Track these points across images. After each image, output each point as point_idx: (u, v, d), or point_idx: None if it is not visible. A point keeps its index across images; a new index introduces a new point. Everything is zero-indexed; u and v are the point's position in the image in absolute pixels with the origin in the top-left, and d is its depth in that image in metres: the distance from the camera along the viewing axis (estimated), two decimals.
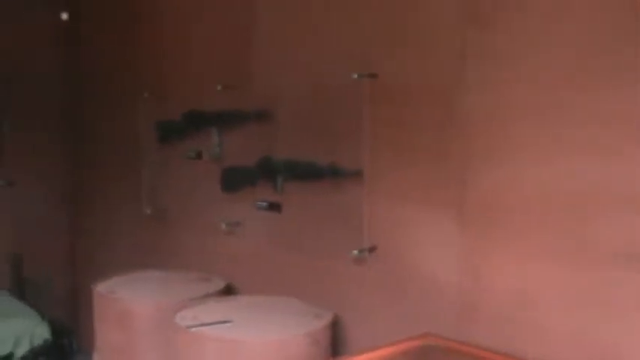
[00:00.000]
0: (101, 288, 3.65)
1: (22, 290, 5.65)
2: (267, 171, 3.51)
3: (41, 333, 4.95)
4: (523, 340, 2.56)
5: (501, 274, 2.65)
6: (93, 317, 3.78)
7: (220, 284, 3.67)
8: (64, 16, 5.57)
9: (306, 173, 3.30)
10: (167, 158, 4.30)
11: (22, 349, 4.64)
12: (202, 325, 2.95)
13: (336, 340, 3.14)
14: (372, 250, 3.03)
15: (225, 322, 3.01)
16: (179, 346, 2.99)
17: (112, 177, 5.07)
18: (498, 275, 2.66)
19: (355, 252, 3.03)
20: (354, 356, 2.66)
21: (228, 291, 3.67)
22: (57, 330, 5.11)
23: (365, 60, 3.07)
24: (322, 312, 3.13)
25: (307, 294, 3.33)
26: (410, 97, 2.94)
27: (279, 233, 3.53)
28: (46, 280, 5.28)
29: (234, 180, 3.70)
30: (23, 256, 5.67)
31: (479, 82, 2.68)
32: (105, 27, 5.10)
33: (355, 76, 3.00)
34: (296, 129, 3.45)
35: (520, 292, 2.58)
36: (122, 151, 4.85)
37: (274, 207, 3.50)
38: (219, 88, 3.73)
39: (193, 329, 2.92)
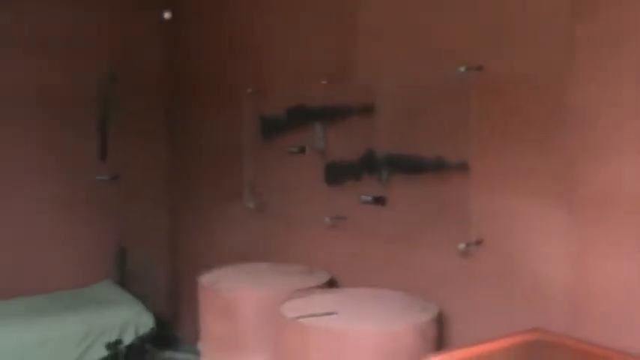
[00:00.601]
0: (205, 279, 3.72)
1: (126, 281, 5.83)
2: (372, 165, 3.52)
3: (146, 322, 5.09)
4: (635, 336, 2.50)
5: (612, 269, 2.59)
6: (194, 308, 3.87)
7: (324, 277, 3.69)
8: (167, 15, 5.70)
9: (411, 166, 3.30)
10: (270, 153, 4.36)
11: (128, 337, 4.79)
12: (308, 316, 2.98)
13: (441, 333, 3.13)
14: (478, 243, 3.01)
15: (330, 313, 3.03)
16: (285, 336, 3.02)
17: (214, 171, 5.17)
18: (609, 270, 2.60)
19: (461, 245, 3.01)
20: (462, 348, 2.63)
21: (332, 284, 3.69)
22: (160, 320, 5.25)
23: (470, 53, 3.05)
24: (428, 305, 3.12)
25: (412, 287, 3.33)
26: (517, 90, 2.90)
27: (383, 226, 3.53)
28: (148, 271, 5.42)
29: (338, 174, 3.73)
30: (127, 248, 5.84)
31: (587, 75, 2.62)
32: (206, 24, 5.21)
33: (462, 69, 2.98)
34: (400, 122, 3.45)
35: (631, 288, 2.52)
36: (225, 145, 4.94)
37: (379, 200, 3.50)
38: (324, 82, 3.75)
39: (300, 320, 2.94)
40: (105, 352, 4.37)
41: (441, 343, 3.11)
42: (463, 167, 3.03)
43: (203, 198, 5.41)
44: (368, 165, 3.55)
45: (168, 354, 4.62)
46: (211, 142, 5.19)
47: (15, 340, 4.79)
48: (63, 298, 5.48)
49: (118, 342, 4.31)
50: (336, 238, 3.84)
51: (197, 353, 4.18)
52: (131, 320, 5.12)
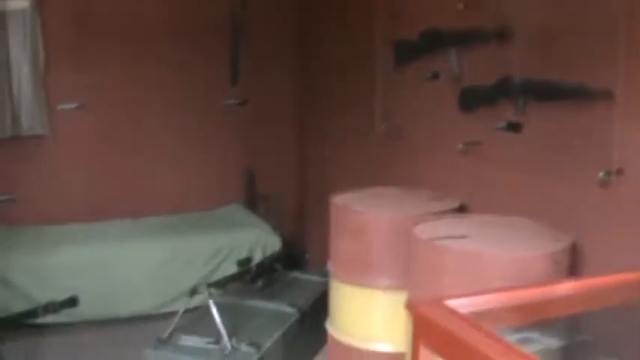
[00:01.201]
0: (338, 201, 3.78)
1: (254, 204, 6.00)
2: (508, 91, 3.46)
3: (273, 243, 5.25)
4: None
5: None
6: (322, 230, 3.95)
7: (454, 203, 3.70)
8: None
9: (550, 93, 3.22)
10: (402, 78, 4.34)
11: (257, 257, 4.95)
12: (441, 238, 3.00)
13: (574, 263, 3.09)
14: (619, 172, 2.93)
15: (462, 237, 3.04)
16: (418, 257, 3.06)
17: (343, 95, 5.20)
18: None
19: (601, 174, 2.93)
20: (597, 277, 2.59)
21: (462, 210, 3.69)
22: (288, 241, 5.40)
23: None
24: (561, 235, 3.08)
25: (545, 216, 3.28)
26: None
27: (518, 154, 3.48)
28: (277, 194, 5.55)
29: (473, 100, 3.69)
30: (255, 172, 5.99)
31: None
32: None
33: None
34: (539, 47, 3.35)
35: None
36: (356, 69, 4.95)
37: (514, 127, 3.44)
38: (460, 7, 3.69)
39: (434, 241, 2.97)
40: (234, 270, 4.53)
41: (573, 273, 3.08)
42: (607, 94, 2.94)
43: (333, 124, 5.46)
44: (504, 91, 3.48)
45: (296, 274, 4.75)
46: (343, 65, 5.21)
47: (147, 256, 5.04)
48: (193, 219, 5.72)
49: (249, 259, 4.47)
50: (468, 164, 3.82)
51: (324, 275, 4.30)
52: (259, 241, 5.29)
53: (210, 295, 3.72)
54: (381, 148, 4.66)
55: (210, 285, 3.81)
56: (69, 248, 5.00)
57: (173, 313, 3.92)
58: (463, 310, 2.02)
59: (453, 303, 2.06)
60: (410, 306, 2.07)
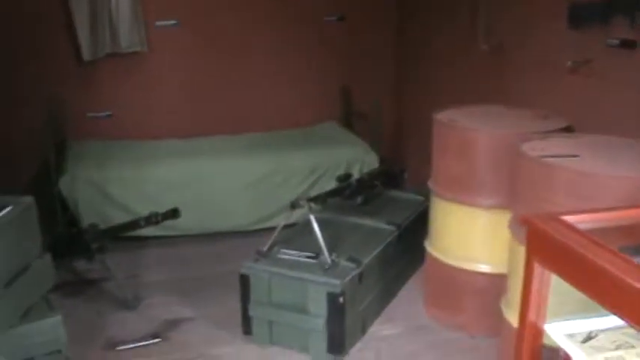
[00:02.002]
0: (441, 117, 3.71)
1: (350, 122, 5.96)
2: (622, 6, 3.28)
3: (370, 161, 5.22)
4: None
5: None
6: (418, 149, 3.88)
7: (561, 122, 3.57)
8: None
9: None
10: None
11: (354, 174, 4.93)
12: (551, 156, 2.91)
13: None
14: None
15: (573, 156, 2.94)
16: (525, 176, 2.98)
17: (443, 10, 5.06)
18: None
19: None
20: None
21: (569, 129, 3.57)
22: (384, 160, 5.36)
23: None
24: None
25: None
26: None
27: (630, 72, 3.33)
28: (374, 112, 5.49)
29: (583, 16, 3.53)
30: (352, 89, 5.93)
31: None
32: None
33: None
34: None
35: None
36: None
37: (628, 44, 3.29)
38: None
39: (545, 159, 2.89)
40: (330, 187, 4.53)
41: None
42: None
43: (432, 40, 5.34)
44: (618, 6, 3.31)
45: (394, 193, 4.72)
46: None
47: (245, 172, 5.09)
48: (290, 136, 5.73)
49: (349, 175, 4.46)
50: (576, 83, 3.68)
51: (423, 193, 4.26)
52: (357, 159, 5.28)
53: (311, 210, 3.72)
54: (484, 65, 4.53)
55: (310, 199, 3.81)
56: (168, 163, 5.09)
57: (270, 230, 3.96)
58: (580, 227, 1.96)
59: (570, 219, 2.00)
60: (525, 221, 2.02)
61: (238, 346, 3.69)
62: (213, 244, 4.98)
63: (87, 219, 4.74)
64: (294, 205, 3.75)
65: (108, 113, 5.49)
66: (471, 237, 3.66)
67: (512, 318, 3.00)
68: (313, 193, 4.63)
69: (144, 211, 4.37)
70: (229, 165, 5.12)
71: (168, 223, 4.39)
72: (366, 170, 5.14)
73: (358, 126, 5.90)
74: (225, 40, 5.73)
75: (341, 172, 4.99)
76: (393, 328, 3.89)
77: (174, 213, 4.05)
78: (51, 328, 3.30)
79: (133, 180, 4.93)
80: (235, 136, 5.71)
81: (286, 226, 3.87)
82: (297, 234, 3.96)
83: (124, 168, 4.99)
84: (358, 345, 3.70)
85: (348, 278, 3.52)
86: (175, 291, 4.31)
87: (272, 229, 3.92)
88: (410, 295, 4.23)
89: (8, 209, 3.29)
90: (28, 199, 3.46)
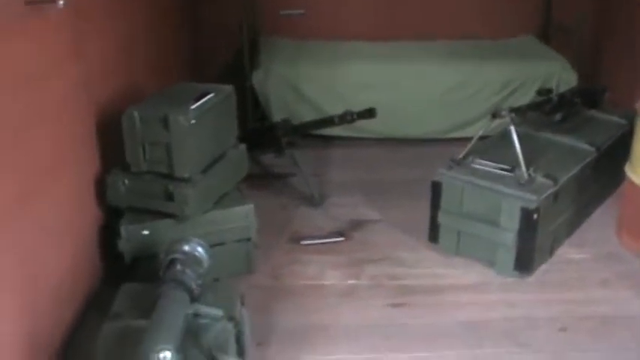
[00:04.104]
0: None
1: (549, 35, 5.67)
2: None
3: (568, 79, 4.98)
4: None
5: None
6: (623, 68, 3.57)
7: None
8: None
9: None
10: None
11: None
12: None
13: None
14: None
15: None
16: None
17: None
18: None
19: None
20: None
21: None
22: (584, 78, 5.06)
23: None
24: None
25: None
26: None
27: None
28: (575, 25, 5.18)
29: None
30: (552, 0, 5.62)
31: None
32: None
33: None
34: None
35: None
36: None
37: None
38: None
39: None
40: (524, 102, 4.33)
41: None
42: None
43: None
44: None
45: (594, 113, 4.44)
46: None
47: (438, 79, 4.97)
48: (485, 47, 5.53)
49: (550, 90, 4.23)
50: None
51: (626, 115, 4.00)
52: (554, 75, 5.04)
53: (512, 121, 3.56)
54: None
55: (512, 110, 3.65)
56: (362, 64, 5.05)
57: (459, 140, 3.86)
58: None
59: None
60: None
61: (423, 253, 3.65)
62: (400, 150, 4.93)
63: (277, 114, 4.81)
64: (495, 115, 3.60)
65: (301, 11, 5.46)
66: None
67: None
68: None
69: (334, 110, 4.36)
70: (422, 71, 5.02)
71: (358, 124, 4.37)
72: (562, 88, 4.87)
73: (557, 40, 5.58)
74: None
75: (536, 88, 4.77)
76: (582, 252, 3.70)
77: (370, 113, 3.99)
78: (243, 215, 3.38)
79: (326, 79, 4.93)
80: (429, 43, 5.57)
81: (480, 138, 3.73)
82: (492, 145, 3.82)
83: (318, 66, 5.00)
84: (544, 266, 3.56)
85: (544, 195, 3.37)
86: (361, 192, 4.30)
87: (461, 139, 3.83)
88: (602, 221, 4.01)
89: (210, 96, 3.35)
90: (228, 88, 3.52)
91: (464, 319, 3.14)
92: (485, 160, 3.61)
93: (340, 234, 3.81)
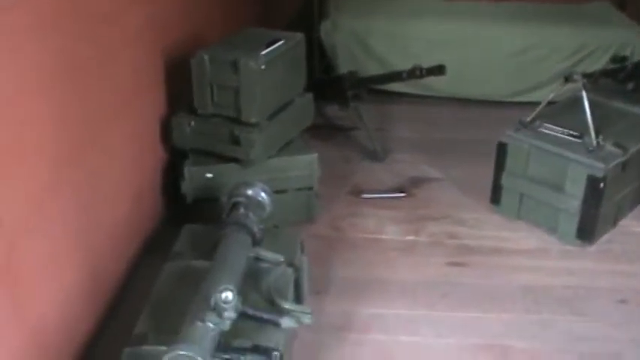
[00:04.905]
0: None
1: (624, 3, 5.50)
2: None
3: None
4: None
5: None
6: None
7: None
8: None
9: None
10: None
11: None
12: None
13: None
14: None
15: None
16: None
17: None
18: None
19: None
20: None
21: None
22: None
23: None
24: None
25: None
26: None
27: None
28: None
29: None
30: None
31: None
32: None
33: None
34: None
35: None
36: None
37: None
38: None
39: None
40: (595, 69, 4.22)
41: None
42: None
43: None
44: None
45: None
46: None
47: (507, 41, 4.88)
48: (557, 10, 5.40)
49: (625, 58, 4.12)
50: None
51: None
52: (628, 43, 4.91)
53: (584, 86, 3.48)
54: None
55: (584, 75, 3.56)
56: (431, 21, 4.98)
57: (525, 104, 3.77)
58: None
59: None
60: None
61: (484, 214, 3.63)
62: (464, 110, 4.87)
63: (342, 67, 4.78)
64: (567, 79, 3.52)
65: None
66: None
67: None
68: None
69: (400, 66, 4.31)
70: (493, 32, 4.92)
71: (424, 82, 4.32)
72: (637, 56, 4.74)
73: (634, 7, 5.42)
74: None
75: (608, 56, 4.65)
76: None
77: (440, 69, 3.93)
78: (306, 164, 3.38)
79: (395, 34, 4.89)
80: (502, 4, 5.45)
81: (548, 103, 3.66)
82: (560, 111, 3.74)
83: (387, 21, 4.95)
84: (606, 236, 3.49)
85: (612, 164, 3.30)
86: (423, 150, 4.27)
87: (526, 103, 3.75)
88: None
89: (280, 43, 3.34)
90: (299, 36, 3.50)
91: (522, 283, 3.12)
92: (554, 124, 3.54)
93: (401, 190, 3.80)
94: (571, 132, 3.47)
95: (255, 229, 2.59)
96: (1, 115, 1.95)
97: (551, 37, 4.93)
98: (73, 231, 2.46)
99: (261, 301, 2.39)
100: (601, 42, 4.91)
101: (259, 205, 2.75)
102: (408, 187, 3.85)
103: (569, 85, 3.58)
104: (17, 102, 2.04)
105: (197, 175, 3.25)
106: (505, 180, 3.53)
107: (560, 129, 3.51)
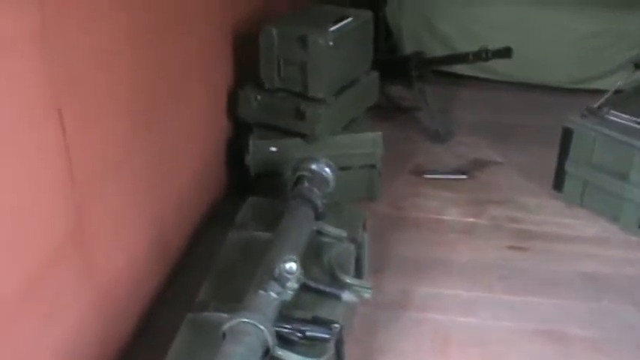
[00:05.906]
0: None
1: None
2: None
3: None
4: None
5: None
6: None
7: None
8: None
9: None
10: None
11: None
12: None
13: None
14: None
15: None
16: None
17: None
18: None
19: None
20: None
21: None
22: None
23: None
24: None
25: None
26: None
27: None
28: None
29: None
30: None
31: None
32: None
33: None
34: None
35: None
36: None
37: None
38: None
39: None
40: None
41: None
42: None
43: None
44: None
45: None
46: None
47: (574, 26, 4.80)
48: None
49: None
50: None
51: None
52: None
53: None
54: None
55: None
56: (499, 5, 4.90)
57: (589, 91, 3.70)
58: None
59: None
60: None
61: (545, 200, 3.60)
62: (528, 96, 4.81)
63: (407, 47, 4.77)
64: (638, 65, 3.46)
65: None
66: None
67: None
68: None
69: (465, 49, 4.29)
70: (559, 17, 4.83)
71: (489, 66, 4.29)
72: None
73: None
74: None
75: None
76: None
77: (506, 52, 3.89)
78: (370, 142, 3.40)
79: (461, 16, 4.85)
80: None
81: (615, 91, 3.61)
82: (628, 99, 3.68)
83: (454, 3, 4.90)
84: None
85: None
86: (486, 133, 4.25)
87: (592, 91, 3.69)
88: None
89: (348, 20, 3.35)
90: (367, 14, 3.51)
91: (582, 271, 3.09)
92: (621, 112, 3.48)
93: (463, 172, 3.80)
94: (638, 120, 3.41)
95: (319, 203, 2.62)
96: (85, 80, 2.00)
97: (621, 23, 4.82)
98: (142, 196, 2.52)
99: (322, 274, 2.42)
100: None
101: (323, 180, 2.78)
102: (470, 169, 3.84)
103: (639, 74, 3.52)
104: (97, 67, 2.09)
105: (261, 149, 3.29)
106: (569, 166, 3.49)
107: (627, 117, 3.45)
